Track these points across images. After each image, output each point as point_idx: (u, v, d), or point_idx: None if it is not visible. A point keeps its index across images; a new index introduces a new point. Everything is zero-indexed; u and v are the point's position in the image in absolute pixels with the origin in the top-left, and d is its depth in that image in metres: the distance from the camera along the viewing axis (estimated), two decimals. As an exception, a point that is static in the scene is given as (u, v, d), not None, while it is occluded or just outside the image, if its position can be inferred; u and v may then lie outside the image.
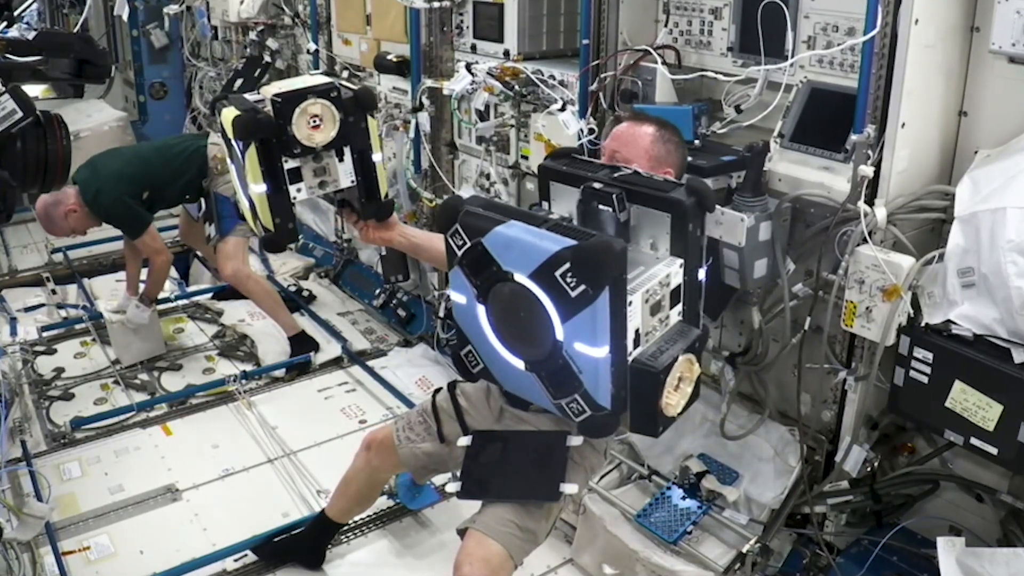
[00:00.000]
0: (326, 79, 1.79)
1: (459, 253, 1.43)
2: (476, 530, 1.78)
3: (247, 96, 1.84)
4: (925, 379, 1.84)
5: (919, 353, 1.84)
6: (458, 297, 1.50)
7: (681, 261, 1.44)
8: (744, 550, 2.12)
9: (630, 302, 1.33)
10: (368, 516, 2.51)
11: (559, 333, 1.35)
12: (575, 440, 1.82)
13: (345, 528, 2.43)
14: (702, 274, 1.51)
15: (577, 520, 2.35)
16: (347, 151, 1.78)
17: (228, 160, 1.93)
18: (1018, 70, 1.83)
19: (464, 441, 1.90)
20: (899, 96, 1.82)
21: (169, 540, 2.45)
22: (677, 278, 1.44)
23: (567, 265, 1.27)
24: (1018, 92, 1.84)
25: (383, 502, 2.52)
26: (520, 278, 1.35)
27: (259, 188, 1.73)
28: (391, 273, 2.05)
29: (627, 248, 1.29)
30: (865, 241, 1.87)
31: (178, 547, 2.41)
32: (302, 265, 4.28)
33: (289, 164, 1.74)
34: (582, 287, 1.27)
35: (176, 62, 5.51)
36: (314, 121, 1.71)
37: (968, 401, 1.78)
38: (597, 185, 1.48)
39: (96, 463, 2.81)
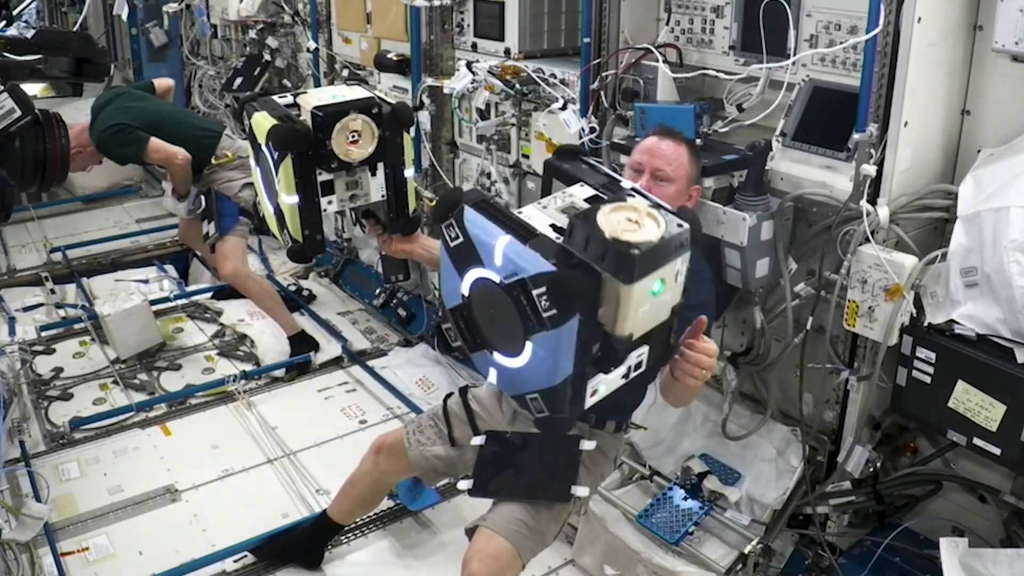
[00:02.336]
0: (365, 92, 1.77)
1: (451, 244, 1.46)
2: (486, 527, 1.79)
3: (276, 99, 1.81)
4: (928, 379, 1.84)
5: (922, 353, 1.84)
6: (448, 278, 1.52)
7: None
8: (746, 551, 2.11)
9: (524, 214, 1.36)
10: (368, 517, 2.50)
11: (525, 342, 1.38)
12: (588, 444, 1.84)
13: (345, 528, 2.42)
14: None
15: (578, 521, 2.34)
16: (380, 166, 1.77)
17: (253, 163, 1.91)
18: (1021, 68, 1.82)
19: (477, 440, 1.91)
20: (902, 95, 1.81)
21: (168, 541, 2.44)
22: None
23: (543, 288, 1.30)
24: (1021, 90, 1.83)
25: (384, 502, 2.50)
26: (501, 283, 1.38)
27: (291, 199, 1.71)
28: (391, 273, 2.04)
29: (602, 279, 1.29)
30: (867, 240, 1.87)
31: (177, 548, 2.40)
32: (302, 264, 4.28)
33: (323, 177, 1.73)
34: (553, 311, 1.30)
35: (175, 61, 5.50)
36: (353, 136, 1.69)
37: (971, 401, 1.77)
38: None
39: (95, 463, 2.80)
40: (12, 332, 3.62)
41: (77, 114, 4.55)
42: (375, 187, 1.79)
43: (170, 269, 4.35)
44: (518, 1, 2.83)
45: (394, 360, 3.45)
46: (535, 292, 1.31)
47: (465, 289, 1.45)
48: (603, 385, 1.41)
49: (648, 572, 2.16)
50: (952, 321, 1.79)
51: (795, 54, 2.09)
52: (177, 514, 2.57)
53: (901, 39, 1.80)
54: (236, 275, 3.42)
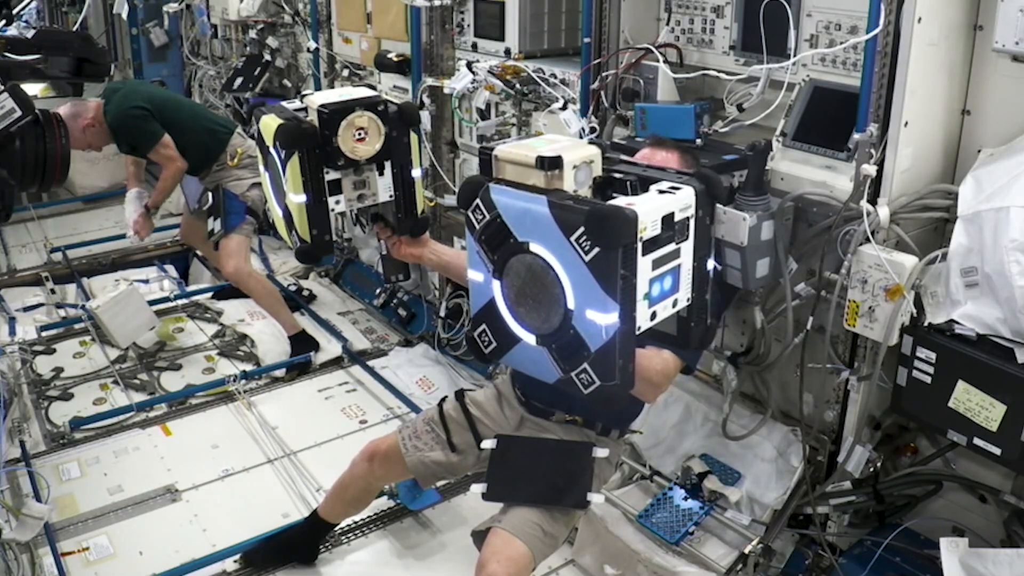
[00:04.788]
0: (372, 92, 1.79)
1: (478, 227, 1.45)
2: (503, 530, 1.81)
3: (285, 104, 1.83)
4: (928, 379, 1.83)
5: (922, 353, 1.83)
6: (475, 275, 1.52)
7: None
8: (746, 551, 2.11)
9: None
10: (368, 516, 2.51)
11: (571, 301, 1.38)
12: (601, 451, 1.88)
13: (346, 528, 2.44)
14: (711, 264, 1.52)
15: (579, 521, 2.33)
16: (388, 165, 1.78)
17: (262, 168, 1.93)
18: (1021, 68, 1.82)
19: (489, 444, 1.93)
20: (902, 95, 1.81)
21: (168, 541, 2.45)
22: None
23: (581, 229, 1.30)
24: (1021, 90, 1.83)
25: (383, 503, 2.52)
26: (536, 247, 1.38)
27: (299, 198, 1.72)
28: (392, 272, 2.04)
29: (639, 217, 1.32)
30: (868, 240, 1.86)
31: (177, 548, 2.41)
32: (302, 264, 4.27)
33: (330, 176, 1.73)
34: (596, 250, 1.30)
35: (176, 60, 5.50)
36: (359, 134, 1.71)
37: (971, 401, 1.77)
38: (618, 175, 1.50)
39: (95, 463, 2.80)
40: (12, 332, 3.62)
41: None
42: (383, 187, 1.79)
43: (170, 269, 4.35)
44: (518, 1, 2.83)
45: (394, 360, 3.45)
46: (572, 237, 1.31)
47: (498, 274, 1.44)
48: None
49: (648, 572, 2.16)
50: (952, 321, 1.79)
51: (795, 54, 2.08)
52: (177, 514, 2.58)
53: (901, 39, 1.80)
54: (238, 273, 3.42)
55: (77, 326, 3.69)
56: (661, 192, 1.42)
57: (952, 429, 1.81)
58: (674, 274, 1.44)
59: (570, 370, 1.41)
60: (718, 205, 2.03)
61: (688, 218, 1.43)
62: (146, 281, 4.14)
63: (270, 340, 3.54)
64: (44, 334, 3.63)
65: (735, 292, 2.20)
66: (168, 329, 3.64)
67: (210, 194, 3.47)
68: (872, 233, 1.86)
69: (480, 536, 1.88)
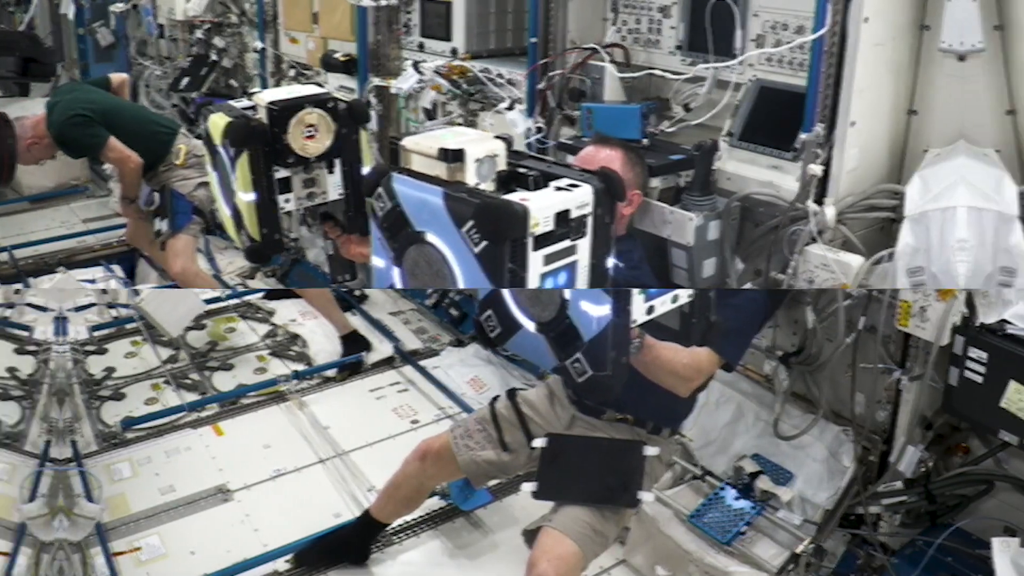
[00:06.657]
0: (321, 89, 1.78)
1: (380, 215, 1.45)
2: (554, 529, 1.82)
3: (233, 103, 1.82)
4: (980, 379, 1.81)
5: (974, 353, 1.80)
6: (377, 261, 1.52)
7: None
8: (798, 551, 2.08)
9: None
10: (420, 516, 2.47)
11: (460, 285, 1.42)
12: (651, 450, 1.90)
13: (397, 529, 2.44)
14: (610, 262, 1.52)
15: (630, 521, 2.26)
16: (338, 163, 1.75)
17: (210, 168, 1.90)
18: (967, 68, 1.75)
19: (540, 443, 1.94)
20: (849, 94, 1.78)
21: (220, 541, 2.40)
22: None
23: (471, 222, 1.31)
24: (967, 90, 1.78)
25: (435, 503, 2.49)
26: (431, 237, 1.39)
27: (248, 197, 1.68)
28: (339, 272, 1.99)
29: (529, 212, 1.30)
30: (814, 240, 1.84)
31: (229, 548, 2.36)
32: (249, 264, 4.02)
33: (280, 174, 1.70)
34: (484, 243, 1.30)
35: (122, 60, 5.20)
36: (309, 131, 1.67)
37: (1023, 401, 1.74)
38: (522, 170, 1.46)
39: (147, 463, 2.74)
40: (64, 332, 3.47)
41: (23, 113, 4.19)
42: (332, 185, 1.76)
43: (117, 269, 4.14)
44: (464, 1, 2.72)
45: (446, 360, 3.37)
46: (463, 229, 1.34)
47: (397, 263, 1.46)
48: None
49: (700, 572, 2.13)
50: (1004, 321, 1.77)
51: (742, 54, 2.04)
52: (229, 514, 2.53)
53: (848, 39, 1.75)
54: (185, 273, 3.26)
55: (129, 326, 3.59)
56: (559, 189, 1.41)
57: (1004, 429, 1.80)
58: (568, 271, 1.42)
59: (565, 358, 1.46)
60: (665, 205, 2.03)
61: (585, 215, 1.41)
62: (92, 281, 3.91)
63: (322, 340, 3.46)
64: (96, 334, 3.52)
65: (784, 296, 2.11)
66: (220, 329, 3.56)
67: (157, 195, 3.31)
68: (819, 233, 1.83)
69: (531, 535, 1.90)
